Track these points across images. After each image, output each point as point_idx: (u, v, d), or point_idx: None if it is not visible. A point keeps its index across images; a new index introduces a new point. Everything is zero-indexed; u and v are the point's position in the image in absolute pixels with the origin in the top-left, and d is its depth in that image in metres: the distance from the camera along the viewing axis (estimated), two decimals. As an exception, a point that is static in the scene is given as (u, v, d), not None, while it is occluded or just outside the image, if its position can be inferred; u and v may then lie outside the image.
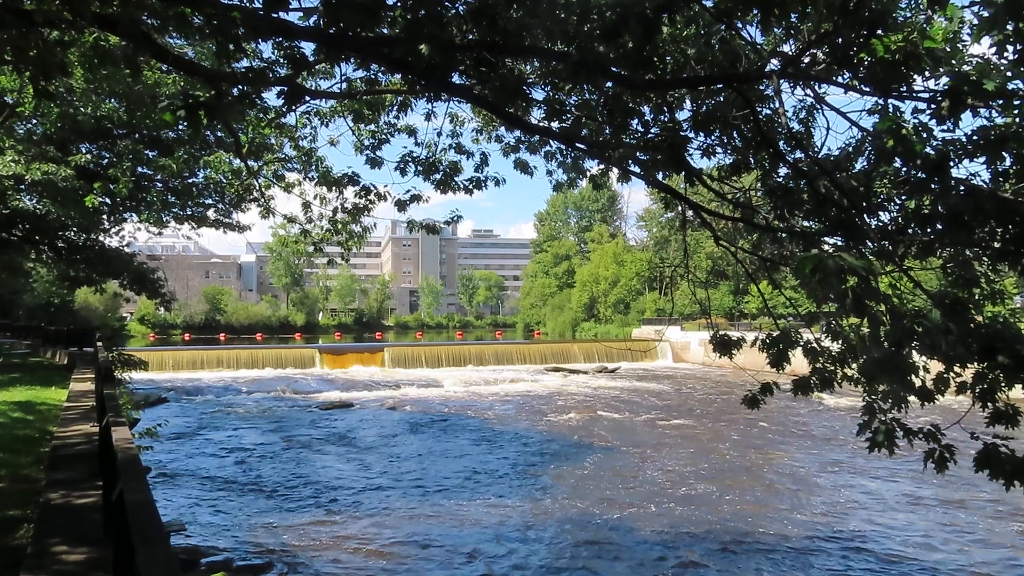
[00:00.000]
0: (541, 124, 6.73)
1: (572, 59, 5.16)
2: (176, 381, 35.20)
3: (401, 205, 7.70)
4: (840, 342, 5.14)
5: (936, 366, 4.30)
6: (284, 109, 7.05)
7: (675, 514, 13.12)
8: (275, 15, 4.69)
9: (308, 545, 11.33)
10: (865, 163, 4.96)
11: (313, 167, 8.97)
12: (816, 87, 5.38)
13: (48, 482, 5.53)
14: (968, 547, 11.43)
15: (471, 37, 5.14)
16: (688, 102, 6.13)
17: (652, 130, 6.13)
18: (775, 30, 5.06)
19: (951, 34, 4.46)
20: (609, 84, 5.85)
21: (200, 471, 16.51)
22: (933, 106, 4.22)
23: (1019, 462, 4.10)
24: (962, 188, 3.93)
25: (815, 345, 5.42)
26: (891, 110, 4.57)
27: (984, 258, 4.56)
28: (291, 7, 4.66)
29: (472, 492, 14.72)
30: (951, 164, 4.04)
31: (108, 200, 18.30)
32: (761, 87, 5.39)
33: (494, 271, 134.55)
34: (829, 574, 10.32)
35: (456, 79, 5.82)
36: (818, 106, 5.55)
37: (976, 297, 4.56)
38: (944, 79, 4.36)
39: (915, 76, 4.43)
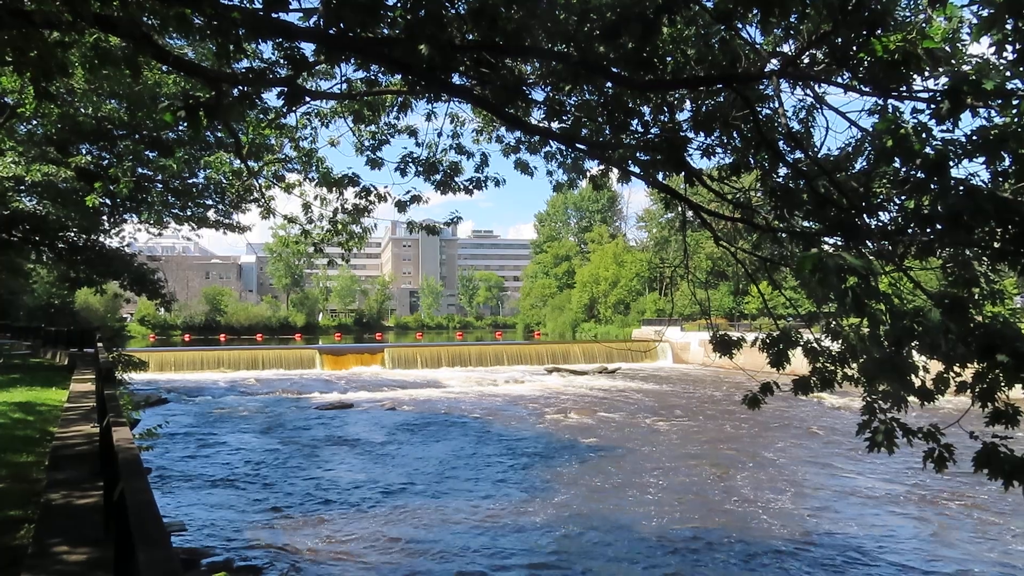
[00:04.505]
0: (541, 124, 6.73)
1: (572, 59, 5.16)
2: (176, 382, 35.22)
3: (401, 206, 7.70)
4: (840, 342, 5.14)
5: (936, 366, 4.30)
6: (284, 110, 7.06)
7: (674, 513, 13.12)
8: (275, 15, 4.69)
9: (308, 545, 11.33)
10: (865, 163, 4.97)
11: (313, 168, 8.98)
12: (816, 87, 5.38)
13: (49, 482, 5.52)
14: (967, 546, 11.43)
15: (471, 37, 5.15)
16: (688, 102, 6.13)
17: (652, 130, 6.13)
18: (775, 30, 5.07)
19: (950, 34, 4.47)
20: (609, 84, 5.85)
21: (200, 471, 16.51)
22: (932, 106, 4.22)
23: (1018, 461, 4.10)
24: (961, 188, 3.93)
25: (815, 345, 5.42)
26: (890, 110, 4.58)
27: (984, 258, 4.56)
28: (291, 7, 4.67)
29: (472, 493, 14.72)
30: (950, 164, 4.04)
31: (108, 200, 18.30)
32: (761, 87, 5.39)
33: (494, 272, 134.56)
34: (825, 572, 10.32)
35: (456, 79, 5.83)
36: (818, 106, 5.55)
37: (976, 297, 4.56)
38: (943, 79, 4.37)
39: (914, 76, 4.43)
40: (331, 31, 4.68)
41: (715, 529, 12.20)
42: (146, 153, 17.37)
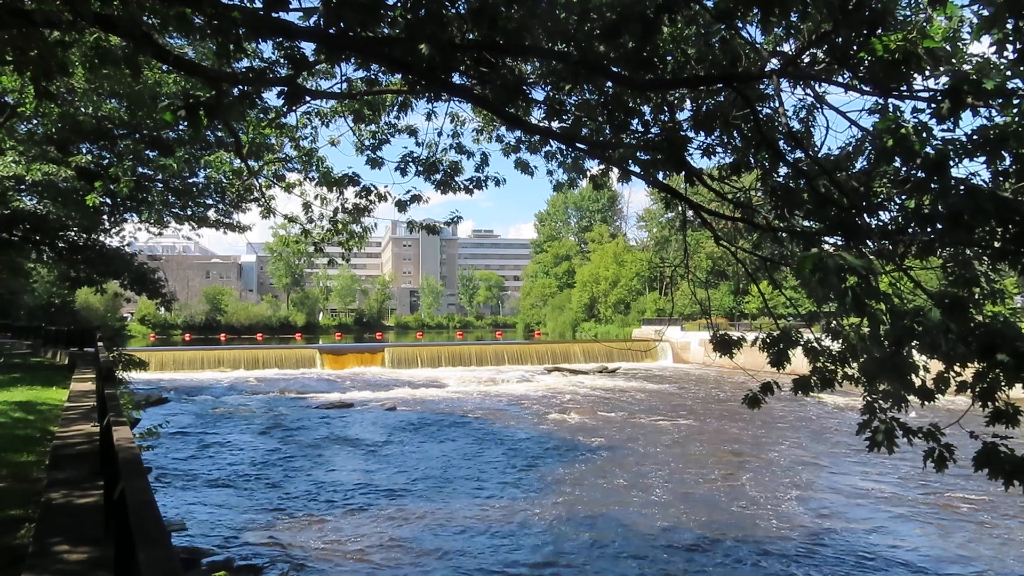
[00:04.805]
0: (541, 124, 6.73)
1: (572, 59, 5.16)
2: (177, 381, 35.23)
3: (401, 205, 7.70)
4: (840, 341, 5.14)
5: (936, 365, 4.30)
6: (284, 109, 7.06)
7: (676, 514, 13.11)
8: (275, 15, 4.69)
9: (308, 545, 11.33)
10: (865, 163, 4.97)
11: (314, 167, 8.97)
12: (816, 87, 5.38)
13: (49, 481, 5.53)
14: (966, 547, 11.43)
15: (471, 37, 5.15)
16: (688, 102, 6.13)
17: (652, 130, 6.13)
18: (775, 30, 5.06)
19: (951, 33, 4.47)
20: (609, 84, 5.85)
21: (201, 471, 16.52)
22: (933, 105, 4.22)
23: (1018, 461, 4.10)
24: (962, 187, 3.93)
25: (815, 345, 5.42)
26: (891, 110, 4.57)
27: (984, 257, 4.56)
28: (291, 7, 4.67)
29: (472, 492, 14.72)
30: (951, 163, 4.04)
31: (108, 200, 18.33)
32: (761, 87, 5.39)
33: (494, 271, 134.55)
34: (828, 573, 10.31)
35: (456, 79, 5.82)
36: (818, 106, 5.55)
37: (976, 296, 4.56)
38: (944, 78, 4.37)
39: (915, 75, 4.43)
40: (331, 30, 4.68)
41: (723, 531, 12.12)
42: (146, 152, 17.39)
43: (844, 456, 18.25)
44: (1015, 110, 4.01)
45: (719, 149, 5.98)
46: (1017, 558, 11.02)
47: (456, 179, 7.58)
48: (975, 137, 4.02)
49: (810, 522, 12.70)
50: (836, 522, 12.69)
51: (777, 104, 5.15)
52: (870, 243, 4.73)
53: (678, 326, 51.30)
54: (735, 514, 13.17)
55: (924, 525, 12.55)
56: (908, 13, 4.81)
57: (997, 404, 4.33)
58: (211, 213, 21.39)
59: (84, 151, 18.02)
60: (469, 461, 17.78)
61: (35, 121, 16.09)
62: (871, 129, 4.65)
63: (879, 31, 4.19)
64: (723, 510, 13.42)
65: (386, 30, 5.13)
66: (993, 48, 3.84)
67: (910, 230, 4.52)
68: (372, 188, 8.24)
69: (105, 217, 20.80)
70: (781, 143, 5.48)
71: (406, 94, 7.14)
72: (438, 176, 7.56)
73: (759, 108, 5.29)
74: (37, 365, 20.36)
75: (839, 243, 5.01)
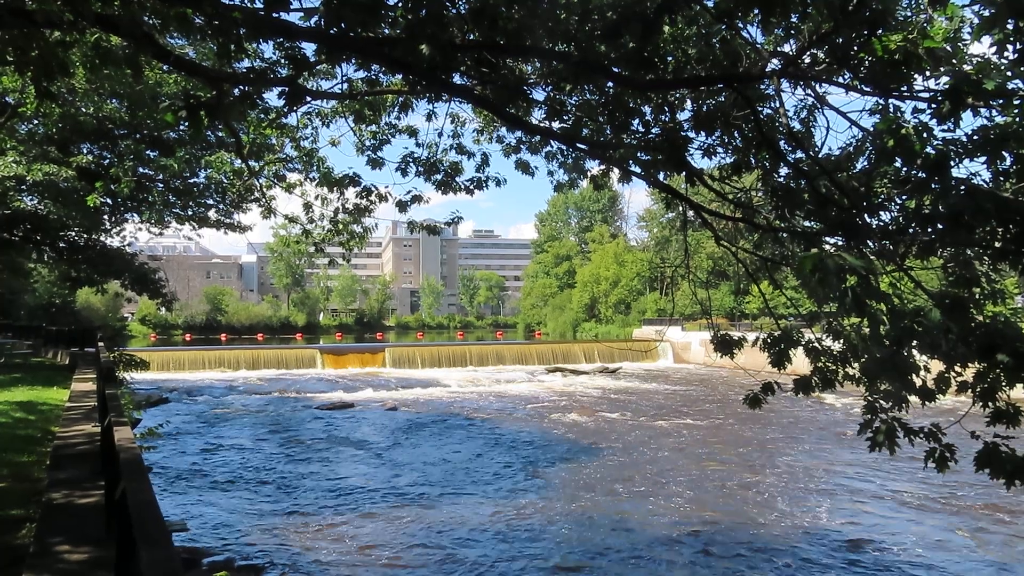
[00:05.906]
0: (542, 124, 6.73)
1: (573, 59, 5.16)
2: (177, 381, 35.24)
3: (402, 206, 7.70)
4: (841, 342, 5.14)
5: (937, 365, 4.30)
6: (285, 109, 7.06)
7: (676, 514, 13.09)
8: (276, 15, 4.69)
9: (309, 545, 11.34)
10: (865, 163, 4.97)
11: (314, 167, 8.97)
12: (816, 87, 5.38)
13: (50, 482, 5.54)
14: (965, 547, 11.41)
15: (472, 37, 5.15)
16: (689, 102, 6.13)
17: (653, 130, 6.13)
18: (776, 30, 5.06)
19: (951, 33, 4.47)
20: (610, 84, 5.86)
21: (201, 471, 16.53)
22: (933, 106, 4.22)
23: (1019, 461, 4.10)
24: (962, 188, 3.93)
25: (816, 345, 5.42)
26: (891, 110, 4.57)
27: (985, 257, 4.56)
28: (292, 7, 4.67)
29: (473, 493, 14.71)
30: (951, 164, 4.04)
31: (109, 200, 18.35)
32: (762, 87, 5.39)
33: (495, 271, 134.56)
34: (829, 574, 10.30)
35: (457, 79, 5.82)
36: (818, 106, 5.55)
37: (977, 296, 4.56)
38: (944, 79, 4.37)
39: (915, 76, 4.44)
40: (332, 31, 4.68)
41: (716, 527, 12.12)
42: (147, 153, 17.40)
43: (861, 458, 17.98)
44: (1015, 110, 4.02)
45: (720, 149, 5.98)
46: None
47: (457, 179, 7.58)
48: (975, 137, 4.02)
49: (808, 520, 12.60)
50: (834, 520, 12.62)
51: (778, 104, 5.16)
52: (870, 243, 4.73)
53: (679, 326, 51.28)
54: (735, 513, 13.12)
55: (952, 530, 12.25)
56: (908, 13, 4.81)
57: (998, 404, 4.33)
58: (212, 213, 21.41)
59: (85, 151, 18.04)
60: (472, 462, 17.78)
61: (36, 121, 16.11)
62: (871, 129, 4.65)
63: (879, 31, 4.20)
64: (723, 509, 13.37)
65: (386, 30, 5.14)
66: (993, 48, 3.84)
67: (910, 230, 4.52)
68: (373, 188, 8.23)
69: (106, 217, 20.83)
70: (782, 143, 5.48)
71: (407, 94, 7.14)
72: (439, 176, 7.56)
73: (760, 108, 5.29)
74: (38, 365, 20.37)
75: (839, 243, 5.01)
